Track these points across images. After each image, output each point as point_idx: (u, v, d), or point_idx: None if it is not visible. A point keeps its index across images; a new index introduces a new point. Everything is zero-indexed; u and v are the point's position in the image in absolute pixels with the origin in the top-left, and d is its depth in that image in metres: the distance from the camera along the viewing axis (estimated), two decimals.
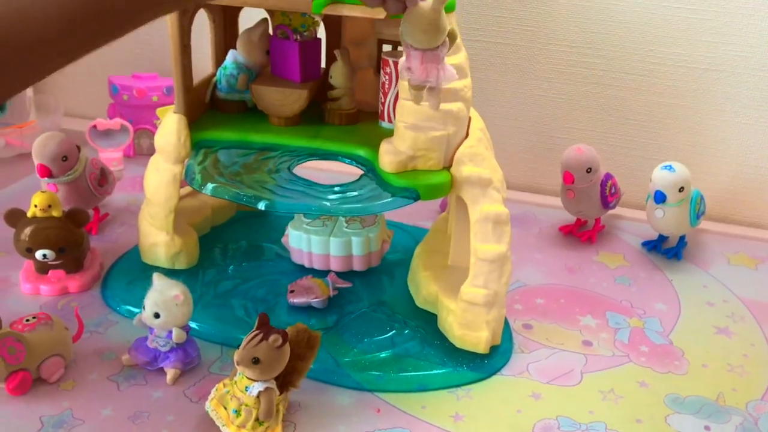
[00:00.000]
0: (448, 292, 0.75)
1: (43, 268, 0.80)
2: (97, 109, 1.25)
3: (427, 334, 0.75)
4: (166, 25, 0.74)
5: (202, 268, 0.84)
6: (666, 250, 0.94)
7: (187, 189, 0.88)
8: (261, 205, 0.68)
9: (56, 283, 0.79)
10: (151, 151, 1.13)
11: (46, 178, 0.85)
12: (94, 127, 1.08)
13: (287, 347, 0.61)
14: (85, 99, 1.29)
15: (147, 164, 1.11)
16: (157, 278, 0.68)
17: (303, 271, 0.84)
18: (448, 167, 0.72)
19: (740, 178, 1.05)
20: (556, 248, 0.95)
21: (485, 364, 0.72)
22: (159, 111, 1.04)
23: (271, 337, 0.59)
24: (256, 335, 0.59)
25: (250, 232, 0.92)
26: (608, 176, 0.94)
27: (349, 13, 0.69)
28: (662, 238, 0.95)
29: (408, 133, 0.71)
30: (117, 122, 1.09)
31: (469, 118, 0.75)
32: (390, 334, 0.75)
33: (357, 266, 0.84)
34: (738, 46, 0.98)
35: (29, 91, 1.24)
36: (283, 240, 0.86)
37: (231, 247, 0.89)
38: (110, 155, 1.07)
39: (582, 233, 0.97)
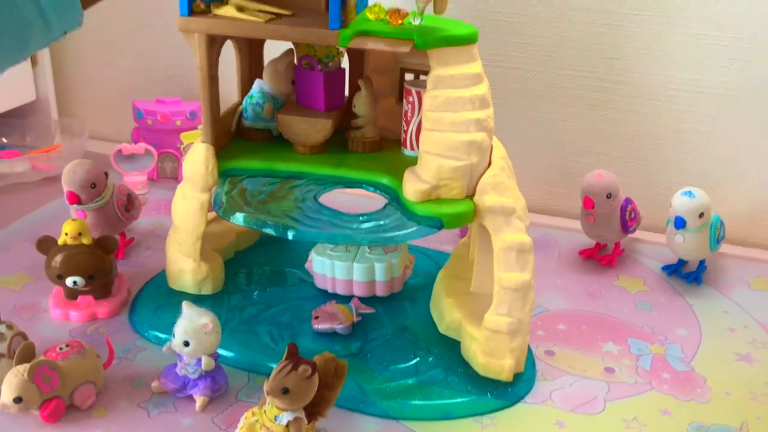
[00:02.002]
0: (472, 320, 0.76)
1: (72, 293, 0.81)
2: (121, 132, 1.28)
3: (450, 361, 0.75)
4: (190, 51, 0.76)
5: (228, 293, 0.85)
6: (686, 274, 0.95)
7: (212, 214, 0.90)
8: (290, 235, 0.69)
9: (85, 309, 0.81)
10: (174, 174, 1.15)
11: (74, 205, 0.87)
12: (119, 151, 1.10)
13: (316, 377, 0.62)
14: (109, 122, 1.31)
15: (171, 187, 1.13)
16: (186, 307, 0.70)
17: (326, 296, 0.85)
18: (471, 196, 0.73)
19: (759, 201, 1.05)
20: (576, 273, 0.96)
21: (509, 391, 0.72)
22: (183, 136, 1.06)
23: (301, 368, 0.60)
24: (285, 366, 0.60)
25: (274, 257, 0.93)
26: (628, 201, 0.95)
27: (373, 46, 0.70)
28: (682, 262, 0.96)
29: (432, 162, 0.72)
30: (141, 147, 1.11)
31: (491, 147, 0.76)
32: (414, 361, 0.75)
33: (380, 292, 0.85)
34: (756, 72, 0.99)
35: (54, 115, 1.26)
36: (306, 265, 0.87)
37: (255, 272, 0.90)
38: (135, 179, 1.09)
39: (602, 257, 0.98)
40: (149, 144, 1.13)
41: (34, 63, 1.20)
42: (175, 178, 1.15)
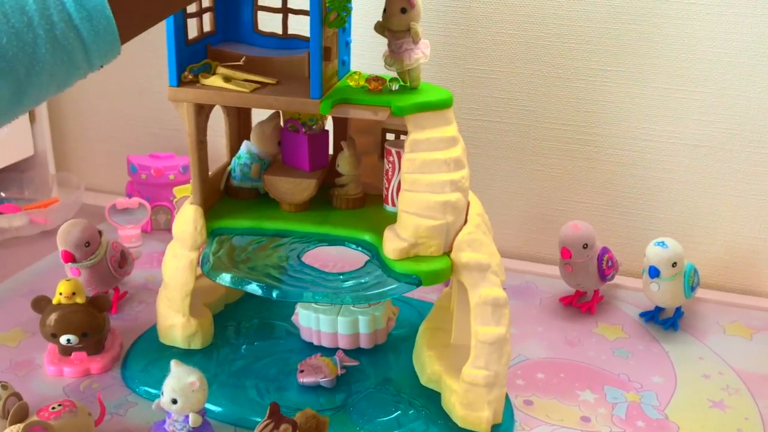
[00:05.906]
0: (451, 372, 0.78)
1: (66, 350, 0.84)
2: (116, 185, 1.31)
3: (431, 413, 0.78)
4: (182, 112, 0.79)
5: (217, 346, 0.88)
6: (663, 320, 0.98)
7: None
8: (274, 295, 0.73)
9: (79, 365, 0.84)
10: (167, 226, 1.19)
11: (69, 263, 0.90)
12: (114, 206, 1.14)
13: None
14: (104, 176, 1.35)
15: (164, 239, 1.16)
16: (174, 365, 0.72)
17: (312, 348, 0.88)
18: (448, 253, 0.76)
19: (733, 248, 1.09)
20: (556, 320, 0.98)
21: None
22: (176, 190, 1.10)
23: (282, 427, 0.63)
24: (267, 425, 0.63)
25: (262, 309, 0.96)
26: (605, 250, 0.98)
27: (354, 115, 0.74)
28: (659, 309, 0.99)
29: (410, 221, 0.75)
30: (135, 201, 1.14)
31: (468, 204, 0.79)
32: (396, 414, 0.78)
33: (364, 344, 0.87)
34: (726, 124, 1.03)
35: (52, 169, 1.30)
36: (293, 318, 0.90)
37: (244, 325, 0.93)
38: (128, 232, 1.13)
39: (582, 304, 1.01)
40: (143, 197, 1.17)
41: (32, 119, 1.25)
42: (168, 229, 1.18)
